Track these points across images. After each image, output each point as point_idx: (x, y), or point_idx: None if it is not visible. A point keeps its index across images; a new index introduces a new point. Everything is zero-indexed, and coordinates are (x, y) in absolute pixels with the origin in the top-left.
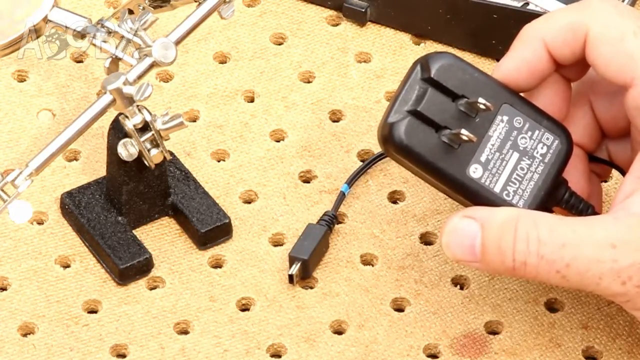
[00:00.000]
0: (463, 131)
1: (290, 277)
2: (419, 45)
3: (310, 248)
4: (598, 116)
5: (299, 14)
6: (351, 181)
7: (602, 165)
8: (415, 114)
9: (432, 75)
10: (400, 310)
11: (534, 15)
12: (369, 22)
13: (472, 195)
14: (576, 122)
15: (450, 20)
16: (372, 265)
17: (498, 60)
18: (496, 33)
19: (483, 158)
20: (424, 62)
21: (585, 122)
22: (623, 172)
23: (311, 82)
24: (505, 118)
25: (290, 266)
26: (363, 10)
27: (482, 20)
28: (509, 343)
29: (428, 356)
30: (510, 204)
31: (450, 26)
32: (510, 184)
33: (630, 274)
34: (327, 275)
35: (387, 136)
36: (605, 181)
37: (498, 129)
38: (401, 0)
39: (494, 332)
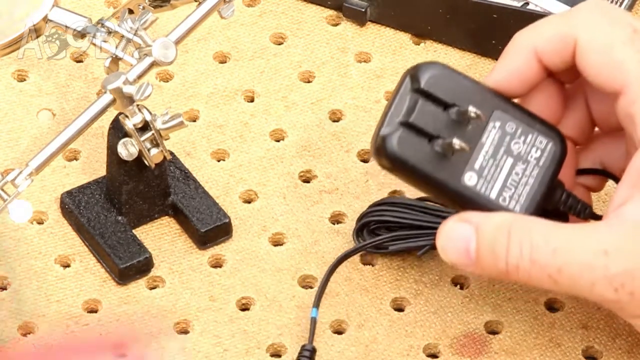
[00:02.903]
0: (455, 140)
1: None
2: (419, 45)
3: None
4: (592, 110)
5: (299, 14)
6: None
7: (594, 178)
8: (407, 125)
9: (422, 86)
10: (400, 310)
11: (534, 15)
12: (368, 22)
13: (469, 203)
14: (570, 115)
15: (450, 20)
16: (372, 265)
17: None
18: (496, 33)
19: (477, 165)
20: (413, 73)
21: (579, 115)
22: (617, 180)
23: (311, 82)
24: (498, 124)
25: None
26: (363, 10)
27: (482, 20)
28: (509, 343)
29: (428, 356)
30: (507, 210)
31: (450, 26)
32: (505, 189)
33: (623, 282)
34: None
35: (380, 149)
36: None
37: (491, 136)
38: (401, 0)
39: (494, 332)
